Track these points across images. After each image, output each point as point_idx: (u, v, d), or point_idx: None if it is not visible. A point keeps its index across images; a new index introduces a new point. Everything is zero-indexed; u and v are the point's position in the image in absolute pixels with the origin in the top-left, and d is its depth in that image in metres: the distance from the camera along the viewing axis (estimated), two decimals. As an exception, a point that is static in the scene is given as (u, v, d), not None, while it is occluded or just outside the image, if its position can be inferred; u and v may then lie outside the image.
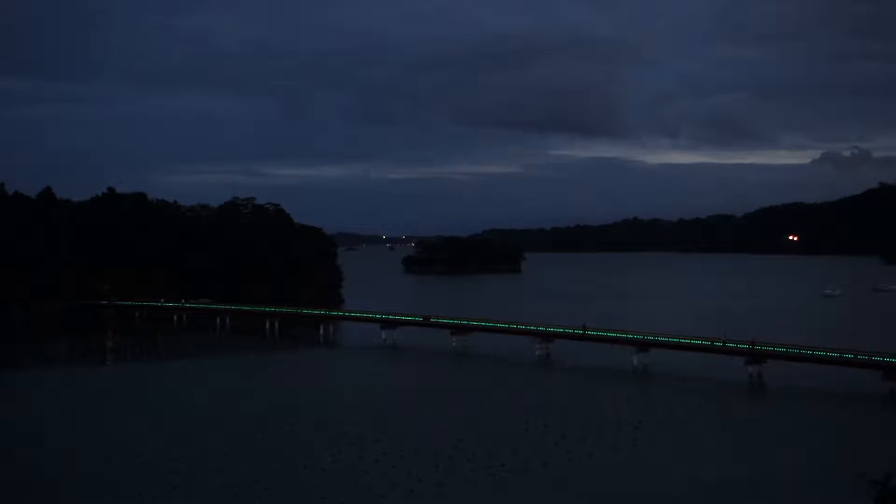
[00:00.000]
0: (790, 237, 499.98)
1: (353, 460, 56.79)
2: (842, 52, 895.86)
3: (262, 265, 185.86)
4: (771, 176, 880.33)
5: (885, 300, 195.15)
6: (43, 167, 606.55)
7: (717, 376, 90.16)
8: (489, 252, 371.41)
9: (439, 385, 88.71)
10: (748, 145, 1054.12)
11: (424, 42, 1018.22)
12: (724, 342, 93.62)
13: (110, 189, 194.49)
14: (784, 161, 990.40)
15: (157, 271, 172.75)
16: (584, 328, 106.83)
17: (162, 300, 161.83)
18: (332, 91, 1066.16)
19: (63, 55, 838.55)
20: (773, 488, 51.10)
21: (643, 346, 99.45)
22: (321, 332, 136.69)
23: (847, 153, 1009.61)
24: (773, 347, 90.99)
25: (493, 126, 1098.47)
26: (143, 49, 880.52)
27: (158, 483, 52.11)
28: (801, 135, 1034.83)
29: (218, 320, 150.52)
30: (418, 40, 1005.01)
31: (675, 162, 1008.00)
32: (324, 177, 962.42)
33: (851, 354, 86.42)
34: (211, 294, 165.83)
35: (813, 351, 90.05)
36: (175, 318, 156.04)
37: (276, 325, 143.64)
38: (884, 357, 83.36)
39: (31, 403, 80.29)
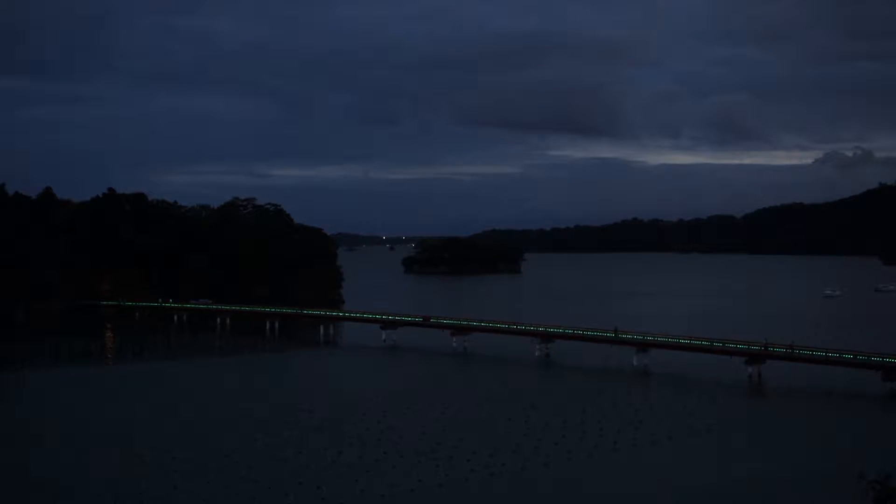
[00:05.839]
0: (790, 238, 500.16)
1: (353, 460, 56.87)
2: (842, 52, 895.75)
3: (263, 265, 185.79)
4: (771, 176, 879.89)
5: (885, 301, 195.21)
6: (43, 167, 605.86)
7: (718, 377, 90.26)
8: (489, 252, 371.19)
9: (439, 385, 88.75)
10: (748, 145, 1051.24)
11: (425, 42, 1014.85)
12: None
13: (110, 189, 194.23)
14: (784, 161, 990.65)
15: (157, 271, 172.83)
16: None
17: (159, 300, 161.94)
18: (332, 91, 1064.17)
19: (63, 55, 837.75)
20: (773, 488, 51.16)
21: (643, 346, 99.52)
22: (321, 332, 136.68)
23: (850, 153, 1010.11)
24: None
25: (493, 126, 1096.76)
26: (144, 49, 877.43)
27: (159, 483, 52.18)
28: (802, 135, 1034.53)
29: (218, 320, 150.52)
30: (419, 40, 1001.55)
31: (676, 162, 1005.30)
32: (324, 177, 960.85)
33: (851, 355, 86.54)
34: (211, 294, 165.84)
35: (812, 351, 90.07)
36: (175, 318, 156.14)
37: (277, 325, 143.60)
38: (883, 357, 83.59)
39: (31, 403, 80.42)
